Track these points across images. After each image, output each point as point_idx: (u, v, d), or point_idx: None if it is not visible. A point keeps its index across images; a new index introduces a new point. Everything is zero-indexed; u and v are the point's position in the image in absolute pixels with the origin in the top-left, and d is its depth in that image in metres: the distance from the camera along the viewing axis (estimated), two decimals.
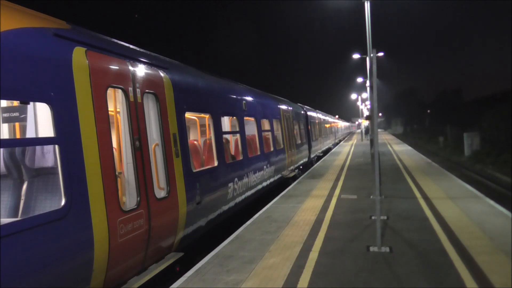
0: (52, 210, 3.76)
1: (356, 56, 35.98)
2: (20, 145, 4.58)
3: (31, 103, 4.39)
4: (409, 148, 28.24)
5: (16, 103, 4.78)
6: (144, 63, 5.62)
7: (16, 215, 4.43)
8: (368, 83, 27.23)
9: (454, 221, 7.37)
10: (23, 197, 4.47)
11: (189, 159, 6.44)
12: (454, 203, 8.89)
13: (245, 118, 10.04)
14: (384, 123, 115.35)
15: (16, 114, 4.82)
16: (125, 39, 6.00)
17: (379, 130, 16.63)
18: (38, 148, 4.53)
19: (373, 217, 7.86)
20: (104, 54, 4.72)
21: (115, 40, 5.57)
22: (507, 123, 24.67)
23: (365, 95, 58.03)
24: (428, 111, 73.34)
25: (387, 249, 6.01)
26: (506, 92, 39.09)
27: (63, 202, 3.79)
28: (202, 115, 8.14)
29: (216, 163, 7.61)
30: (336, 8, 26.74)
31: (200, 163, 7.71)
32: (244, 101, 10.02)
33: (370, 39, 19.13)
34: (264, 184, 11.10)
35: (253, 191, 9.91)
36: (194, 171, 6.57)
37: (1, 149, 4.59)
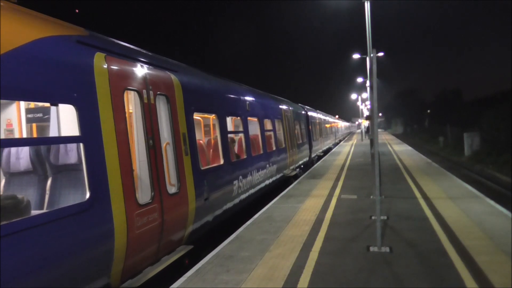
0: (79, 202, 4.04)
1: (356, 56, 36.04)
2: (48, 143, 4.87)
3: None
4: (409, 148, 28.24)
5: (41, 104, 5.12)
6: (156, 66, 5.89)
7: (42, 208, 4.67)
8: (368, 83, 27.24)
9: (454, 221, 7.37)
10: (48, 192, 4.75)
11: (198, 157, 6.74)
12: (454, 203, 8.89)
13: (249, 118, 10.28)
14: (384, 123, 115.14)
15: (40, 115, 5.26)
16: (125, 39, 6.02)
17: (379, 130, 16.64)
18: (61, 146, 4.80)
19: (373, 217, 7.86)
20: (120, 59, 4.99)
21: (129, 45, 5.83)
22: (507, 123, 24.65)
23: (365, 95, 58.04)
24: (428, 111, 73.29)
25: (387, 249, 6.02)
26: (506, 92, 39.09)
27: (87, 195, 4.07)
28: (206, 115, 8.43)
29: (222, 162, 7.91)
30: (336, 8, 26.80)
31: (207, 161, 8.04)
32: (247, 102, 10.27)
33: (370, 39, 19.16)
34: (267, 182, 11.29)
35: (256, 189, 10.13)
36: (202, 168, 6.85)
37: (29, 148, 4.88)
